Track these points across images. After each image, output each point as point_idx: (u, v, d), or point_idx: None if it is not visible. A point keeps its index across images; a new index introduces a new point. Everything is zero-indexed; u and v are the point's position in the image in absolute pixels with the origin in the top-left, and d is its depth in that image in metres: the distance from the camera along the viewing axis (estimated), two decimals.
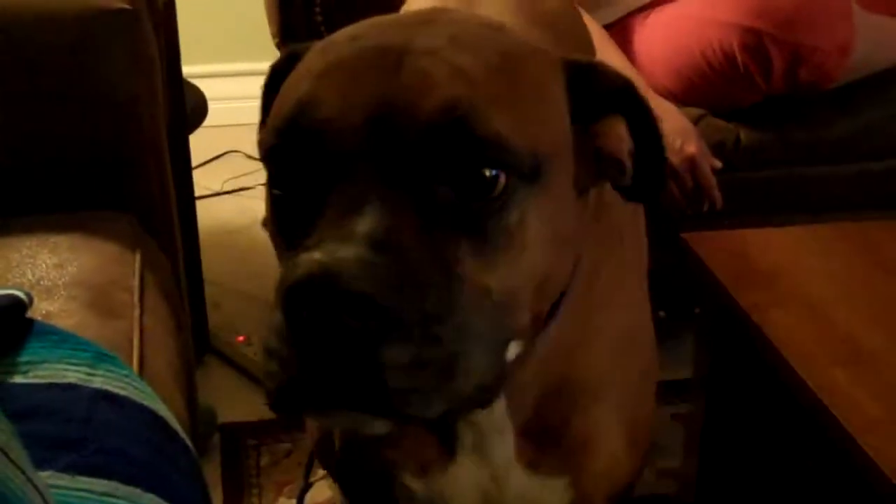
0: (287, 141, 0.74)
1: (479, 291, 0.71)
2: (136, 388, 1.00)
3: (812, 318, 1.25)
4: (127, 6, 1.35)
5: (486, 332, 0.72)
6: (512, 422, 0.94)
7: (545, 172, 0.75)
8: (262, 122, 0.89)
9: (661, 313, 2.14)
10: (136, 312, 1.19)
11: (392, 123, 0.71)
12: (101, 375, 0.97)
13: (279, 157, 0.76)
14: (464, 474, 0.99)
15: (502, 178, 0.72)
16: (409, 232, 0.69)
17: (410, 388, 0.67)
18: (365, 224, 0.68)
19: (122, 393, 0.97)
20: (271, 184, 0.77)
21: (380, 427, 0.73)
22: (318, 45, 0.81)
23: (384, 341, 0.66)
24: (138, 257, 1.28)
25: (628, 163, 0.84)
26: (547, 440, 0.97)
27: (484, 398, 0.75)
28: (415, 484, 1.03)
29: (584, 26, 1.48)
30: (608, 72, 0.83)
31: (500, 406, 0.91)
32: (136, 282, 1.24)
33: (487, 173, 0.72)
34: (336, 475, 1.17)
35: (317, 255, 0.66)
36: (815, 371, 1.15)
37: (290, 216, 0.75)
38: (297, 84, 0.77)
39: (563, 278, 0.84)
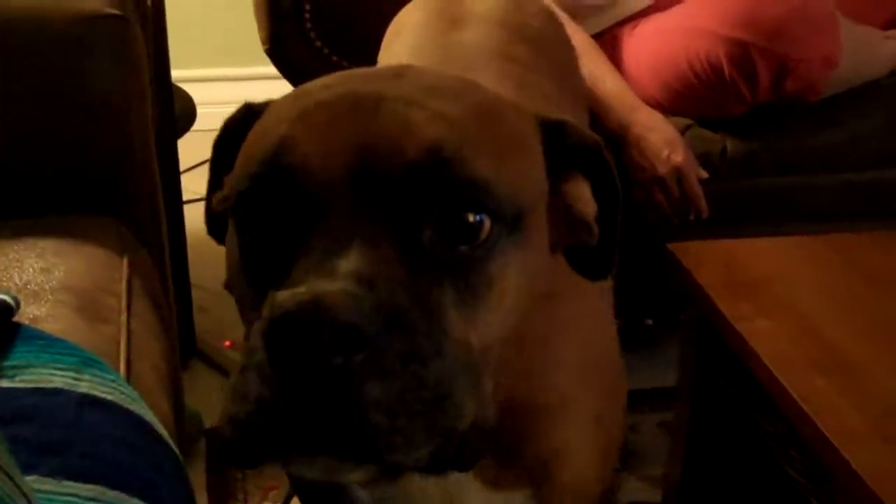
0: (263, 184, 0.72)
1: (460, 341, 0.70)
2: (122, 392, 1.00)
3: (796, 329, 1.26)
4: (117, 12, 1.35)
5: (464, 376, 0.70)
6: None
7: (525, 223, 0.75)
8: (213, 181, 0.89)
9: (649, 321, 2.17)
10: (124, 317, 1.19)
11: (374, 164, 0.70)
12: (88, 380, 0.97)
13: (253, 201, 0.73)
14: (415, 489, 0.96)
15: (486, 224, 0.71)
16: (393, 273, 0.67)
17: (395, 429, 0.65)
18: (349, 263, 0.66)
19: (109, 398, 0.97)
20: (241, 231, 0.75)
21: (360, 476, 0.69)
22: (286, 96, 0.80)
23: (370, 377, 0.63)
24: (126, 262, 1.28)
25: (595, 227, 0.84)
26: (508, 457, 0.95)
27: (473, 447, 0.72)
28: (365, 495, 1.01)
29: (565, 43, 1.48)
30: (579, 130, 0.83)
31: None
32: (123, 286, 1.24)
33: (471, 218, 0.71)
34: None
35: (302, 289, 0.64)
36: (798, 381, 1.15)
37: (262, 264, 0.73)
38: (270, 129, 0.75)
39: (531, 328, 0.83)
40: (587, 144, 0.83)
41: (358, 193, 0.69)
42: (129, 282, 1.25)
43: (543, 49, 1.25)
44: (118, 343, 1.14)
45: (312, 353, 0.63)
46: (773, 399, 1.18)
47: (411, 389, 0.65)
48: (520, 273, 0.74)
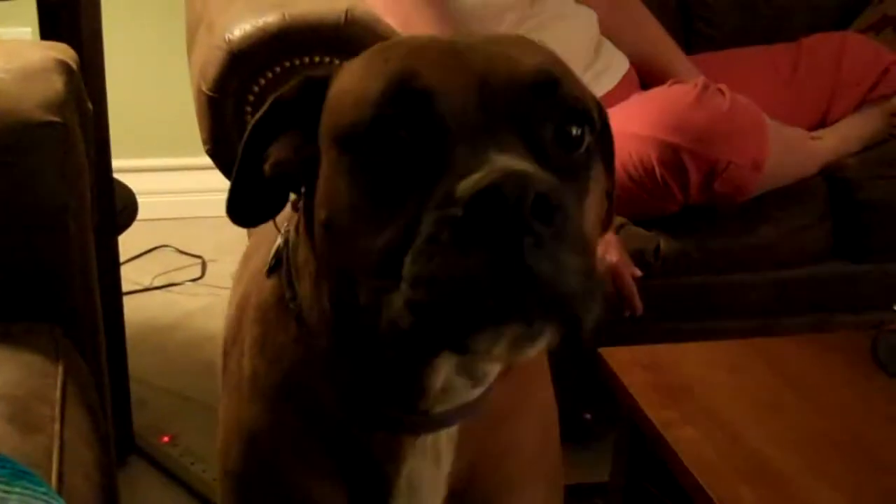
0: (394, 110, 0.76)
1: (581, 228, 0.75)
2: None
3: (721, 436, 1.29)
4: (56, 119, 1.36)
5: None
6: (447, 483, 0.97)
7: (600, 141, 0.85)
8: (253, 152, 0.90)
9: (587, 415, 2.18)
10: (57, 426, 1.18)
11: (497, 86, 0.77)
12: (18, 493, 0.97)
13: (381, 128, 0.77)
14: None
15: (587, 136, 0.80)
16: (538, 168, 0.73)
17: (584, 289, 0.70)
18: (502, 161, 0.71)
19: None
20: (363, 164, 0.78)
21: (544, 341, 0.72)
22: (368, 52, 0.85)
23: (559, 244, 0.69)
24: (61, 369, 1.28)
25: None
26: None
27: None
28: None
29: None
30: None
31: (445, 460, 0.95)
32: (57, 394, 1.24)
33: (576, 130, 0.79)
34: None
35: (480, 174, 0.69)
36: (723, 489, 1.18)
37: (391, 187, 0.76)
38: (377, 69, 0.80)
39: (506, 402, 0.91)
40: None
41: (485, 111, 0.76)
42: (63, 389, 1.25)
43: None
44: (51, 453, 1.13)
45: (518, 220, 0.68)
46: None
47: (582, 257, 0.71)
48: (602, 179, 0.85)
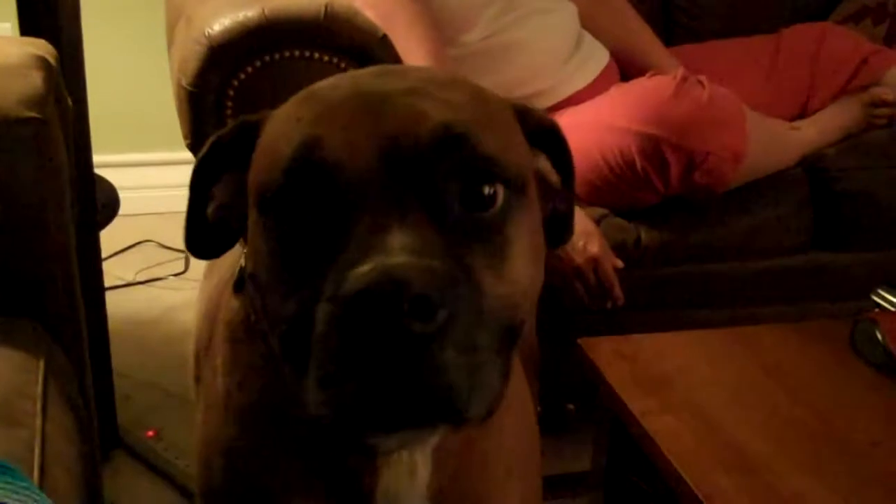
0: (296, 179, 0.77)
1: (494, 298, 0.76)
2: (35, 500, 1.00)
3: (699, 425, 1.29)
4: (35, 115, 1.36)
5: (502, 334, 0.77)
6: (428, 492, 0.96)
7: (527, 189, 0.83)
8: (200, 194, 0.92)
9: (570, 406, 2.19)
10: (39, 421, 1.19)
11: (398, 151, 0.76)
12: (1, 488, 0.98)
13: (287, 196, 0.78)
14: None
15: (500, 192, 0.79)
16: (435, 244, 0.73)
17: (471, 386, 0.70)
18: (398, 239, 0.71)
19: None
20: (275, 224, 0.79)
21: (435, 438, 0.77)
22: (291, 102, 0.85)
23: (443, 341, 0.69)
24: (42, 364, 1.28)
25: (565, 193, 0.96)
26: None
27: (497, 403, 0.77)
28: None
29: None
30: (539, 113, 0.93)
31: (422, 473, 0.94)
32: (39, 389, 1.24)
33: (487, 189, 0.78)
34: None
35: (367, 266, 0.69)
36: (701, 478, 1.18)
37: (299, 253, 0.77)
38: (290, 131, 0.80)
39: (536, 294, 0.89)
40: (546, 125, 0.93)
41: (387, 179, 0.75)
42: (44, 384, 1.25)
43: None
44: (32, 448, 1.14)
45: (394, 323, 0.67)
46: (678, 496, 1.21)
47: (472, 347, 0.71)
48: (530, 231, 0.83)
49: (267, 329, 0.83)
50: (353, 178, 0.75)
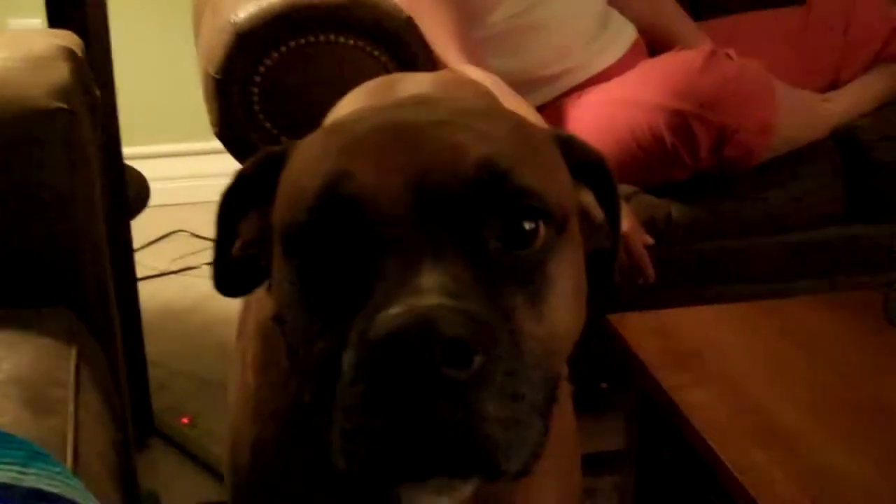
0: (323, 216, 0.73)
1: (534, 342, 0.72)
2: (68, 485, 1.01)
3: (733, 399, 1.29)
4: (63, 106, 1.37)
5: (542, 383, 0.72)
6: None
7: (569, 226, 0.79)
8: (225, 232, 0.88)
9: (604, 385, 2.19)
10: (71, 408, 1.20)
11: (433, 185, 0.72)
12: (34, 474, 0.98)
13: (312, 234, 0.74)
14: None
15: (542, 230, 0.74)
16: (470, 285, 0.69)
17: (508, 438, 0.66)
18: (431, 280, 0.67)
19: (55, 491, 0.98)
20: (301, 264, 0.75)
21: (468, 489, 0.71)
22: (316, 134, 0.82)
23: (479, 389, 0.65)
24: (74, 352, 1.29)
25: (608, 230, 0.90)
26: None
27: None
28: None
29: None
30: (584, 144, 0.88)
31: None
32: (71, 377, 1.25)
33: (528, 225, 0.74)
34: None
35: (397, 308, 0.65)
36: (733, 451, 1.18)
37: (327, 294, 0.73)
38: (315, 165, 0.76)
39: (577, 337, 0.84)
40: (592, 157, 0.88)
41: (421, 215, 0.71)
42: (77, 372, 1.26)
43: None
44: (65, 434, 1.15)
45: (427, 369, 0.63)
46: (712, 470, 1.20)
47: (512, 396, 0.67)
48: (572, 270, 0.78)
49: (293, 371, 0.80)
50: (384, 213, 0.71)
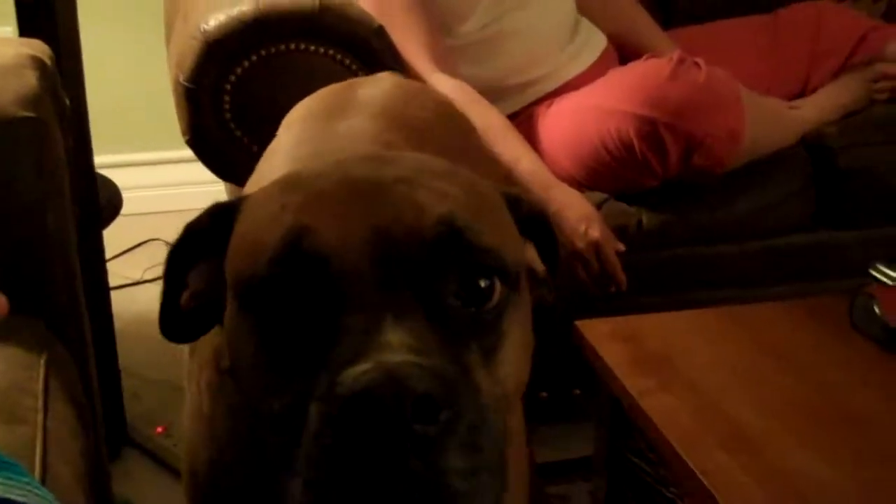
0: (283, 271, 0.73)
1: (489, 394, 0.73)
2: (37, 495, 1.01)
3: (699, 404, 1.29)
4: (32, 115, 1.37)
5: (498, 431, 0.73)
6: None
7: (520, 283, 0.81)
8: (173, 282, 0.88)
9: (577, 391, 2.20)
10: (40, 417, 1.20)
11: (394, 243, 0.73)
12: (2, 484, 0.98)
13: (272, 288, 0.74)
14: None
15: (497, 286, 0.76)
16: (432, 342, 0.70)
17: (471, 489, 0.68)
18: (395, 337, 0.68)
19: (22, 500, 0.98)
20: (259, 318, 0.75)
21: None
22: (272, 187, 0.82)
23: (444, 444, 0.66)
24: (43, 361, 1.29)
25: (551, 283, 0.91)
26: None
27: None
28: None
29: (461, 131, 1.51)
30: (530, 201, 0.90)
31: None
32: (40, 385, 1.25)
33: (483, 282, 0.75)
34: None
35: (366, 365, 0.66)
36: (700, 457, 1.18)
37: (285, 349, 0.73)
38: (273, 220, 0.76)
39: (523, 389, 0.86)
40: (537, 213, 0.90)
41: (382, 271, 0.72)
42: (46, 380, 1.26)
43: (425, 136, 1.27)
44: (34, 444, 1.15)
45: (397, 424, 0.64)
46: (677, 475, 1.21)
47: (473, 447, 0.68)
48: (523, 325, 0.80)
49: (250, 422, 0.80)
50: (345, 269, 0.72)
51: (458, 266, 0.74)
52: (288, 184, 0.81)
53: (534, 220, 0.90)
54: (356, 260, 0.72)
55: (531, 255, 0.91)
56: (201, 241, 0.86)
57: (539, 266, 0.92)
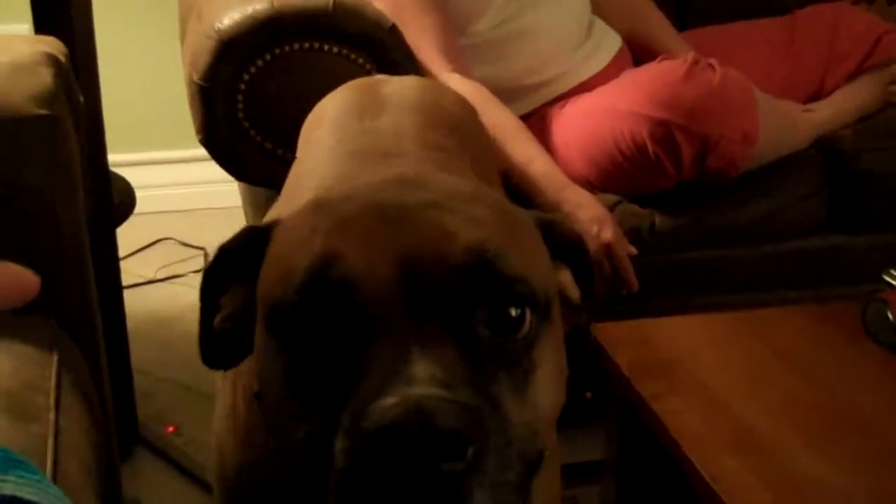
0: (311, 298, 0.73)
1: (520, 426, 0.72)
2: (47, 493, 1.01)
3: (709, 407, 1.29)
4: (46, 112, 1.37)
5: (528, 464, 0.73)
6: None
7: (552, 311, 0.79)
8: (209, 305, 0.88)
9: (588, 394, 2.19)
10: (52, 415, 1.20)
11: (422, 271, 0.72)
12: (13, 481, 0.98)
13: (300, 314, 0.73)
14: None
15: (528, 316, 0.75)
16: (460, 373, 0.69)
17: None
18: (423, 368, 0.68)
19: (34, 499, 0.98)
20: (286, 344, 0.75)
21: None
22: (302, 211, 0.81)
23: (471, 480, 0.65)
24: (55, 358, 1.29)
25: (584, 310, 0.90)
26: None
27: None
28: None
29: (479, 127, 1.51)
30: (564, 226, 0.89)
31: None
32: (52, 383, 1.25)
33: (514, 311, 0.74)
34: None
35: (392, 399, 0.65)
36: (709, 460, 1.18)
37: (311, 375, 0.73)
38: (303, 244, 0.76)
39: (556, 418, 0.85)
40: (572, 239, 0.89)
41: (410, 299, 0.71)
42: (58, 378, 1.26)
43: (459, 133, 1.28)
44: (46, 442, 1.15)
45: (423, 461, 0.64)
46: (686, 478, 1.21)
47: (501, 483, 0.68)
48: (555, 354, 0.78)
49: (278, 449, 0.79)
50: (374, 297, 0.71)
51: (488, 295, 0.73)
52: (318, 207, 0.80)
53: (568, 245, 0.89)
54: (384, 287, 0.71)
55: (566, 280, 0.89)
56: (235, 264, 0.86)
57: (574, 293, 0.90)
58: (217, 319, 0.88)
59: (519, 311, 0.74)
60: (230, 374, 1.03)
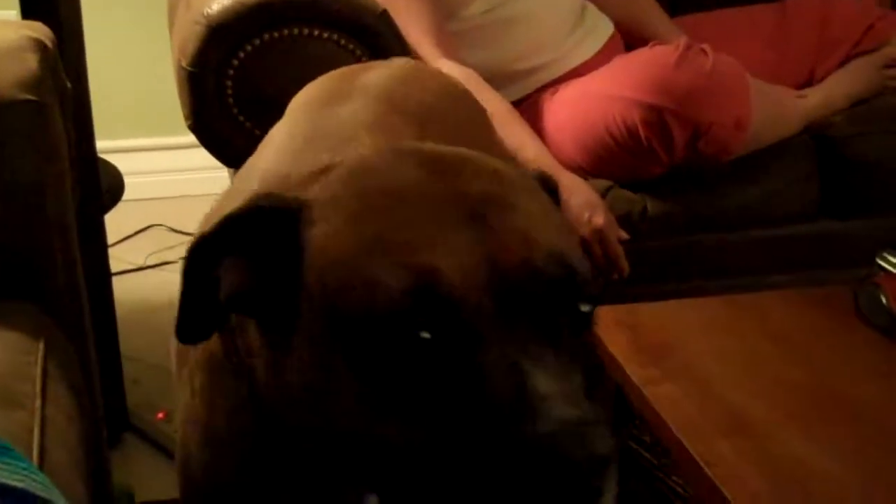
0: (411, 313, 0.72)
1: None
2: (34, 480, 1.00)
3: (701, 392, 1.29)
4: (32, 97, 1.36)
5: None
6: None
7: None
8: (194, 280, 0.83)
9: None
10: (38, 402, 1.19)
11: (514, 280, 0.73)
12: None
13: (398, 326, 0.72)
14: None
15: (592, 312, 0.78)
16: (569, 382, 0.72)
17: None
18: (544, 383, 0.69)
19: (20, 486, 0.97)
20: (368, 351, 0.73)
21: None
22: (348, 193, 0.79)
23: (605, 491, 0.69)
24: (41, 346, 1.29)
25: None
26: None
27: None
28: None
29: (471, 112, 1.49)
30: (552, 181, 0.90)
31: None
32: (38, 371, 1.24)
33: (586, 308, 0.77)
34: None
35: (549, 424, 0.67)
36: (702, 445, 1.18)
37: (399, 385, 0.73)
38: (377, 245, 0.74)
39: None
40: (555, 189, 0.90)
41: (506, 307, 0.72)
42: (44, 366, 1.25)
43: (426, 119, 1.26)
44: (31, 429, 1.14)
45: (580, 483, 0.67)
46: (680, 463, 1.20)
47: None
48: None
49: (302, 428, 0.79)
50: (476, 311, 0.72)
51: (571, 298, 0.75)
52: (364, 193, 0.78)
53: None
54: (483, 299, 0.72)
55: None
56: (237, 237, 0.81)
57: None
58: (222, 293, 0.82)
59: (589, 307, 0.77)
60: (185, 372, 1.02)
